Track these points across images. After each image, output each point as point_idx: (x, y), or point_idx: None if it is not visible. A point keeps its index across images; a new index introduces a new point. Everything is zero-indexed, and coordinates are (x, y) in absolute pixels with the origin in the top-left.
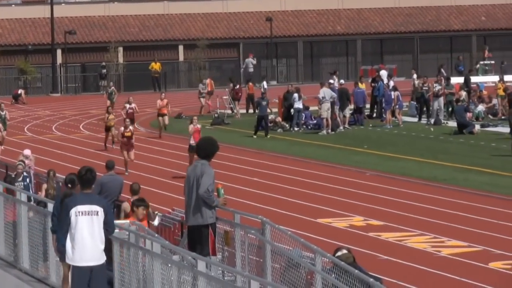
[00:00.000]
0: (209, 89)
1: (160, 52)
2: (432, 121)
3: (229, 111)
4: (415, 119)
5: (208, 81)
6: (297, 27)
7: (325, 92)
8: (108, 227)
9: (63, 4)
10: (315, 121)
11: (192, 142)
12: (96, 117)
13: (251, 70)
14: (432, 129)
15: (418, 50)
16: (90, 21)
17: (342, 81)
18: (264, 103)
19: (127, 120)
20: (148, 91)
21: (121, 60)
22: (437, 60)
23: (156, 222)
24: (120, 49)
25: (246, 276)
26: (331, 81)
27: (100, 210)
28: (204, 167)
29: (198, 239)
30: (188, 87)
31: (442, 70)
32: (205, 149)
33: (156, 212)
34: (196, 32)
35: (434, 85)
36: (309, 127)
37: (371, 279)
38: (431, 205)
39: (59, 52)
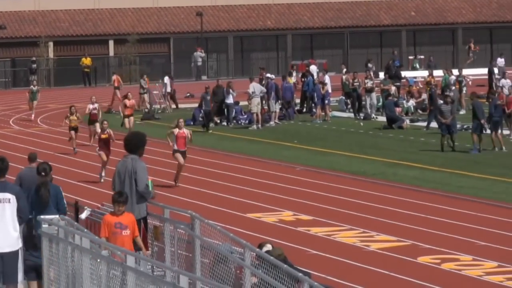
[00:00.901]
0: (116, 85)
1: (90, 47)
2: (362, 116)
3: (158, 106)
4: (345, 114)
5: (115, 77)
6: (227, 22)
7: (254, 87)
8: (22, 214)
9: None
10: (245, 116)
11: (176, 147)
12: (24, 113)
13: (200, 63)
14: (361, 123)
15: (348, 45)
16: (20, 15)
17: (272, 76)
18: (208, 97)
19: (105, 122)
20: (79, 85)
21: (51, 55)
22: (367, 55)
23: (83, 215)
24: (50, 44)
25: (175, 271)
26: (269, 75)
27: (12, 197)
28: (136, 162)
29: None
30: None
31: (370, 65)
32: (134, 144)
33: (85, 207)
34: (127, 27)
35: (366, 80)
36: (239, 122)
37: (300, 274)
38: (360, 199)
39: None
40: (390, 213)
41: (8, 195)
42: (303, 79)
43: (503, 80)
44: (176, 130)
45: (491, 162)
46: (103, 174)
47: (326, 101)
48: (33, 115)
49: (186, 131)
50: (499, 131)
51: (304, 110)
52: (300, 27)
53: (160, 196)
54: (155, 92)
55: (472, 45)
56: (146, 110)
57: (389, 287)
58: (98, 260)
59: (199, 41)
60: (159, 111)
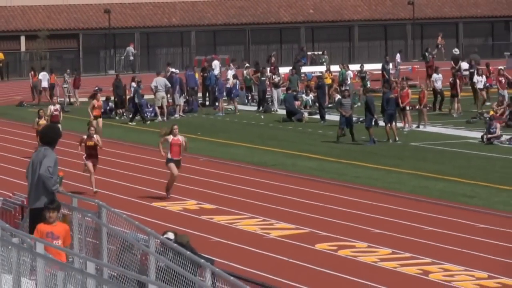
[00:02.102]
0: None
1: (2, 43)
2: (262, 109)
3: (68, 99)
4: (247, 107)
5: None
6: (134, 19)
7: (157, 81)
8: None
9: None
10: (151, 109)
11: (170, 156)
12: None
13: (132, 58)
14: (262, 116)
15: (249, 41)
16: None
17: (177, 70)
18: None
19: (92, 128)
20: None
21: None
22: (267, 50)
23: None
24: None
25: (83, 257)
26: (173, 69)
27: None
28: (47, 151)
29: (39, 222)
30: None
31: (273, 60)
32: (48, 136)
33: None
34: (37, 23)
35: (274, 76)
36: (146, 115)
37: (203, 260)
38: (261, 189)
39: None
40: (289, 202)
41: None
42: (204, 74)
43: (435, 75)
44: (170, 137)
45: (385, 153)
46: (94, 188)
47: (232, 95)
48: None
49: (181, 138)
50: (393, 123)
51: (207, 103)
52: (204, 24)
53: (68, 185)
54: (64, 86)
55: (440, 39)
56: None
57: (288, 273)
58: (9, 247)
59: (107, 37)
60: (68, 104)
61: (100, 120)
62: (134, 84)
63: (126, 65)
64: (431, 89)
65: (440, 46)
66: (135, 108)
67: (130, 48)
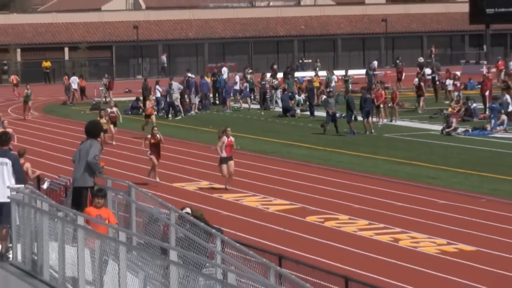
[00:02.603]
0: (14, 82)
1: (49, 53)
2: (263, 107)
3: (104, 99)
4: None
5: (12, 77)
6: (157, 33)
7: (173, 85)
8: (18, 175)
9: None
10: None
11: (224, 155)
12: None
13: (165, 65)
14: (262, 113)
15: (252, 52)
16: None
17: (192, 75)
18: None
19: (155, 128)
20: (41, 83)
21: (19, 59)
22: (267, 59)
23: (45, 186)
24: (18, 50)
25: (116, 228)
26: (190, 74)
27: (9, 162)
28: (93, 142)
29: (79, 198)
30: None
31: (275, 67)
32: (93, 131)
33: (45, 179)
34: (78, 37)
35: (273, 80)
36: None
37: (214, 230)
38: (261, 172)
39: None
40: (285, 183)
41: (6, 160)
42: (213, 78)
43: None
44: (224, 138)
45: (363, 143)
46: (157, 179)
47: (243, 94)
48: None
49: (232, 139)
50: (370, 118)
51: (217, 102)
52: (215, 37)
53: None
54: (100, 88)
55: (433, 50)
56: (94, 102)
57: (284, 241)
58: (55, 220)
59: (135, 48)
60: (104, 103)
61: (153, 116)
62: (158, 87)
63: (159, 70)
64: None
65: (432, 55)
66: (169, 106)
67: (163, 57)
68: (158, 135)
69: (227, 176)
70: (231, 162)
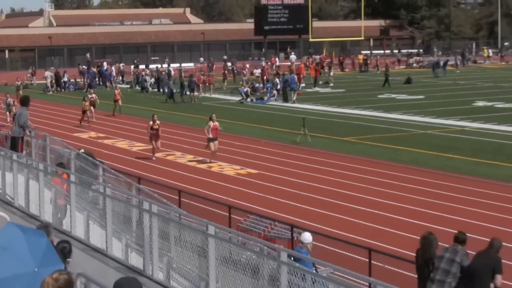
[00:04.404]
0: None
1: None
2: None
3: (30, 81)
4: None
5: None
6: (63, 41)
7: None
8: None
9: None
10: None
11: (210, 135)
12: None
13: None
14: (129, 90)
15: (121, 52)
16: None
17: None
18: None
19: (155, 115)
20: None
21: None
22: (131, 57)
23: None
24: None
25: (36, 161)
26: (83, 66)
27: None
28: (22, 109)
29: (14, 144)
30: None
31: (136, 62)
32: (23, 102)
33: None
34: (15, 43)
35: (137, 70)
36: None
37: (98, 162)
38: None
39: None
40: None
41: None
42: (98, 69)
43: None
44: (211, 123)
45: (190, 108)
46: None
47: (117, 79)
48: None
49: (217, 123)
50: (194, 93)
51: (101, 83)
52: (99, 43)
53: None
54: (28, 75)
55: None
56: (25, 83)
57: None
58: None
59: (50, 50)
60: (30, 84)
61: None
62: (66, 75)
63: (64, 63)
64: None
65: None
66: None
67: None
68: (158, 121)
69: (214, 152)
70: (216, 142)
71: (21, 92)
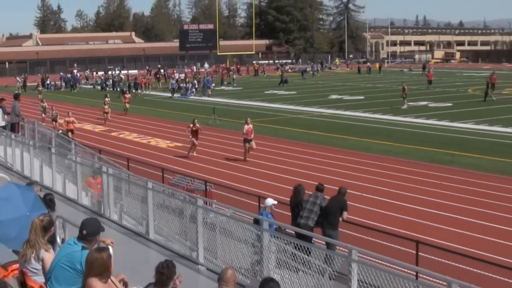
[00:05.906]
0: None
1: None
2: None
3: (21, 85)
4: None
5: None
6: (47, 56)
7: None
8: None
9: None
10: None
11: (246, 137)
12: None
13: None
14: (92, 89)
15: (88, 63)
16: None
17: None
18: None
19: (195, 119)
20: None
21: None
22: (92, 67)
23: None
24: None
25: (32, 144)
26: (62, 74)
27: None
28: (15, 103)
29: (13, 128)
30: None
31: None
32: (15, 96)
33: None
34: (12, 57)
35: (101, 75)
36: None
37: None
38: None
39: None
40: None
41: None
42: (71, 74)
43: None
44: (246, 126)
45: (138, 102)
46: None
47: (84, 82)
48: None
49: (198, 125)
50: (138, 91)
51: (73, 86)
52: (72, 57)
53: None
54: (19, 80)
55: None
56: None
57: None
58: (1, 136)
59: (37, 62)
60: (21, 88)
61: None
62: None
63: (45, 71)
64: None
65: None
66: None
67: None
68: (197, 125)
69: (251, 149)
70: (253, 142)
71: (40, 96)
